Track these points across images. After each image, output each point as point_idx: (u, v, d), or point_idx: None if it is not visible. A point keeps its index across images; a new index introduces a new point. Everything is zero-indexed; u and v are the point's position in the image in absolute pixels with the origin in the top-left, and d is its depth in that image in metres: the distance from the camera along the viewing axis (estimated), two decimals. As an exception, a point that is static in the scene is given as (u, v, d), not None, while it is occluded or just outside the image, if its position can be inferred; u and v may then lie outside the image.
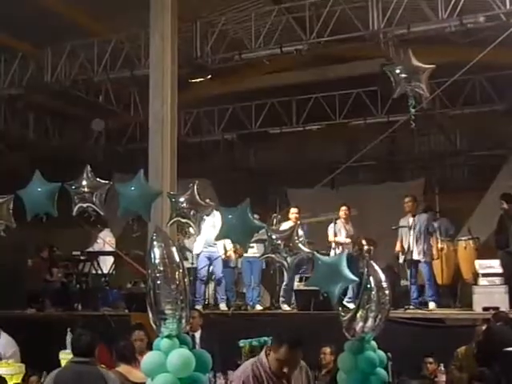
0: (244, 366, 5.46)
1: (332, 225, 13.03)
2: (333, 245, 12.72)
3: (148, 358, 4.99)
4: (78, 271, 14.32)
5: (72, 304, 13.75)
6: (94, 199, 6.38)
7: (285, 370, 5.20)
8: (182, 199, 6.16)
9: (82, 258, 14.25)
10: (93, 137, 19.18)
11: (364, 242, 13.17)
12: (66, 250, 15.06)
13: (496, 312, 9.20)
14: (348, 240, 12.81)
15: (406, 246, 12.12)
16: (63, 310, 13.53)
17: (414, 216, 12.29)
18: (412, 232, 12.06)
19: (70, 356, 7.44)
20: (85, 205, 6.37)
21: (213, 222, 11.10)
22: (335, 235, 12.85)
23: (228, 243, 12.59)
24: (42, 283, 14.41)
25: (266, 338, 6.99)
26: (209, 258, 12.70)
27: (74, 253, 14.34)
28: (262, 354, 5.40)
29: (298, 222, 12.16)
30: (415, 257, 12.04)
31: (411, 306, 11.77)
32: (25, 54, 14.85)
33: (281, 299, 12.58)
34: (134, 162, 19.71)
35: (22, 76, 14.83)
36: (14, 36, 14.00)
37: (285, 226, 11.75)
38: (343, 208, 12.98)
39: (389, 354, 6.73)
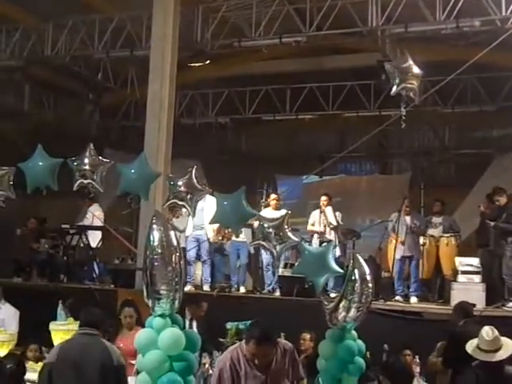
0: (225, 354, 5.59)
1: (314, 212, 13.27)
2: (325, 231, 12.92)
3: (141, 335, 5.24)
4: (66, 243, 14.39)
5: (58, 275, 13.82)
6: (94, 177, 6.61)
7: (256, 361, 5.33)
8: (180, 182, 6.37)
9: (70, 231, 14.31)
10: (87, 112, 19.31)
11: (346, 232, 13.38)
12: (55, 222, 15.16)
13: (462, 307, 9.20)
14: (326, 229, 12.92)
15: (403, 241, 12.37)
16: (48, 280, 13.62)
17: (409, 215, 12.53)
18: (407, 230, 12.35)
19: (61, 327, 7.80)
20: (86, 181, 6.60)
21: (202, 205, 11.29)
22: (313, 224, 13.10)
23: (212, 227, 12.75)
24: (29, 253, 14.50)
25: (246, 322, 7.21)
26: (197, 240, 12.91)
27: (63, 226, 14.40)
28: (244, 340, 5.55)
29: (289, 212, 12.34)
30: (407, 253, 12.35)
31: (397, 297, 12.11)
32: (26, 26, 14.91)
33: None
34: (126, 138, 19.99)
35: (22, 48, 14.92)
36: (16, 8, 14.06)
37: (264, 213, 12.02)
38: (323, 198, 13.14)
39: (385, 345, 7.01)
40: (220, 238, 13.30)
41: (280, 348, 5.51)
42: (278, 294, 12.46)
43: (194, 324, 9.25)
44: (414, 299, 12.11)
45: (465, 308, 8.91)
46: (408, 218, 12.46)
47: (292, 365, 5.58)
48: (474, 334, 6.26)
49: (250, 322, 6.17)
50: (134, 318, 7.84)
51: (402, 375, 6.80)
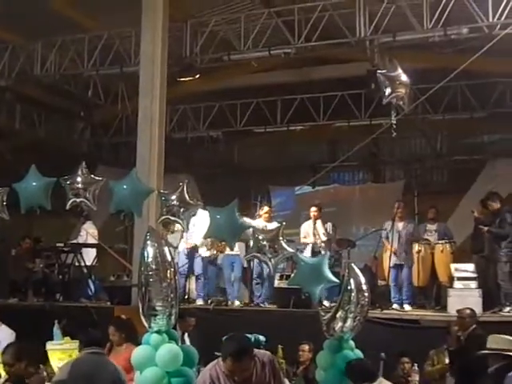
0: (203, 373, 5.40)
1: (304, 224, 13.25)
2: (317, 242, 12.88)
3: (138, 352, 5.24)
4: (61, 262, 14.35)
5: (54, 294, 13.77)
6: (87, 195, 6.62)
7: (235, 378, 5.10)
8: (172, 197, 6.38)
9: (65, 249, 14.28)
10: (78, 129, 19.37)
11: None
12: (48, 241, 15.13)
13: (470, 313, 9.27)
14: (318, 240, 12.90)
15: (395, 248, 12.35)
16: (44, 300, 13.54)
17: (402, 221, 12.53)
18: (399, 237, 12.33)
19: (57, 347, 7.81)
20: (78, 200, 6.62)
21: (194, 221, 11.30)
22: (305, 237, 13.07)
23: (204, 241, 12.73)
24: (24, 273, 14.44)
25: (249, 336, 7.21)
26: (189, 255, 12.88)
27: (58, 244, 14.37)
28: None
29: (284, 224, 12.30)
30: (398, 261, 12.31)
31: (394, 305, 12.08)
32: (15, 46, 14.93)
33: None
34: (119, 154, 20.06)
35: (11, 68, 14.94)
36: (5, 28, 14.08)
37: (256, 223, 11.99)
38: (313, 209, 13.14)
39: (382, 354, 6.99)
40: (214, 251, 13.24)
41: (259, 360, 5.33)
42: (272, 306, 12.46)
43: (187, 338, 9.29)
44: (407, 307, 12.10)
45: (473, 314, 9.01)
46: (401, 225, 12.46)
47: (273, 375, 5.43)
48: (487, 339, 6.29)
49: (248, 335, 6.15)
50: (115, 336, 7.89)
51: (364, 376, 6.62)
